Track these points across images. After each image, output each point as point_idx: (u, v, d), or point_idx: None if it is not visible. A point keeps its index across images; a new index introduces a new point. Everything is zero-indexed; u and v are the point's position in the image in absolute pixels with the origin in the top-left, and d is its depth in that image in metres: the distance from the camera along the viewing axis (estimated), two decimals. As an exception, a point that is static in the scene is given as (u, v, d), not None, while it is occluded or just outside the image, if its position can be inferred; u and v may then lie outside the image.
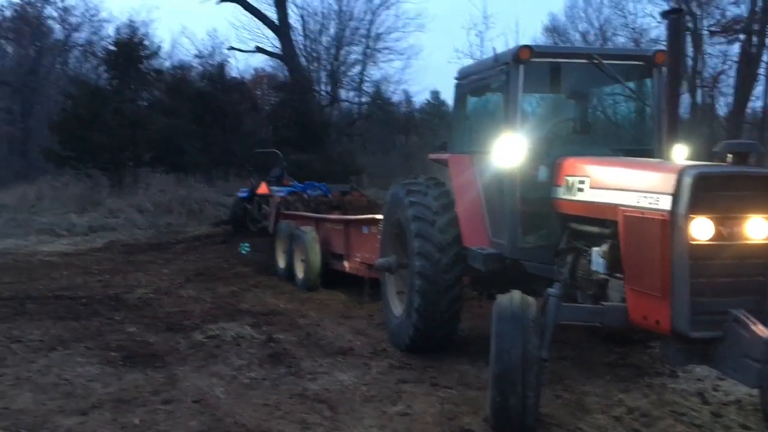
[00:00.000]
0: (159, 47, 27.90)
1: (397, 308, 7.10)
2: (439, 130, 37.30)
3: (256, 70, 39.05)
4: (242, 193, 16.94)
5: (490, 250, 6.07)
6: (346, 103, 40.10)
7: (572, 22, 31.88)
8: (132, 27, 27.20)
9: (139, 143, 25.11)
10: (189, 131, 26.17)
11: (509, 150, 5.68)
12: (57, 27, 42.18)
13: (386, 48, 38.93)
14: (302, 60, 36.47)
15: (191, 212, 21.08)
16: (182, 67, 30.28)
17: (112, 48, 26.43)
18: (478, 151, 6.33)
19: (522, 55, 5.73)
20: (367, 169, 31.10)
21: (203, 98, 27.91)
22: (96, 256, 14.47)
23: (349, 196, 13.92)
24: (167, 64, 31.66)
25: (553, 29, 32.25)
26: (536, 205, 5.80)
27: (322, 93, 36.43)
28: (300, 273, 10.87)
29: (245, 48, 35.60)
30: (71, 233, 17.86)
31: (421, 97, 48.73)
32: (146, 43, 26.62)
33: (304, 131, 28.45)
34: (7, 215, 21.33)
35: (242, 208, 16.83)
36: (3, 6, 42.17)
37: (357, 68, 39.32)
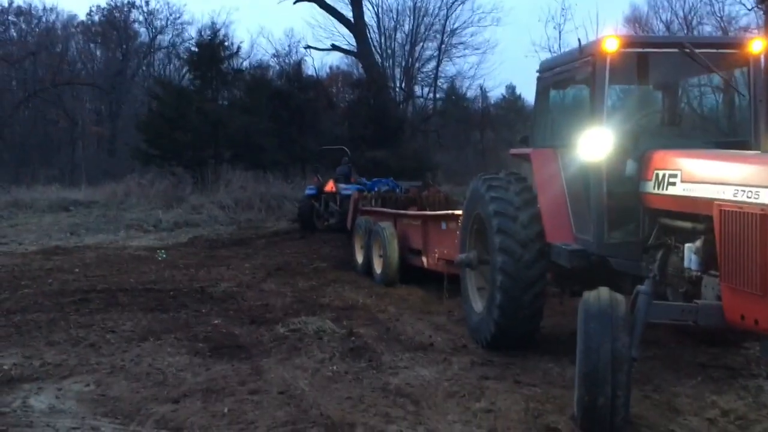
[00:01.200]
0: (239, 47, 28.69)
1: (478, 304, 7.05)
2: (515, 125, 36.85)
3: (331, 68, 39.64)
4: (310, 191, 17.16)
5: (574, 246, 5.95)
6: (421, 100, 40.16)
7: (655, 11, 30.90)
8: (213, 28, 28.06)
9: (220, 141, 25.87)
10: (267, 129, 26.76)
11: (595, 143, 5.55)
12: (142, 30, 43.96)
13: (461, 43, 38.84)
14: (377, 57, 36.75)
15: (269, 208, 21.58)
16: (260, 67, 30.98)
17: (194, 49, 27.33)
18: (562, 145, 6.21)
19: (609, 46, 5.57)
20: (441, 165, 31.05)
21: (281, 97, 28.50)
22: (181, 251, 14.98)
23: (426, 192, 13.91)
24: (246, 63, 32.53)
25: (634, 20, 31.32)
26: (623, 200, 5.64)
27: (397, 90, 36.55)
28: (378, 268, 10.95)
29: (321, 46, 36.17)
30: (158, 229, 18.57)
31: (496, 93, 48.26)
32: (227, 43, 27.37)
33: (380, 128, 28.65)
34: (98, 212, 22.42)
35: (309, 206, 17.04)
36: (92, 11, 43.98)
37: (432, 64, 39.33)
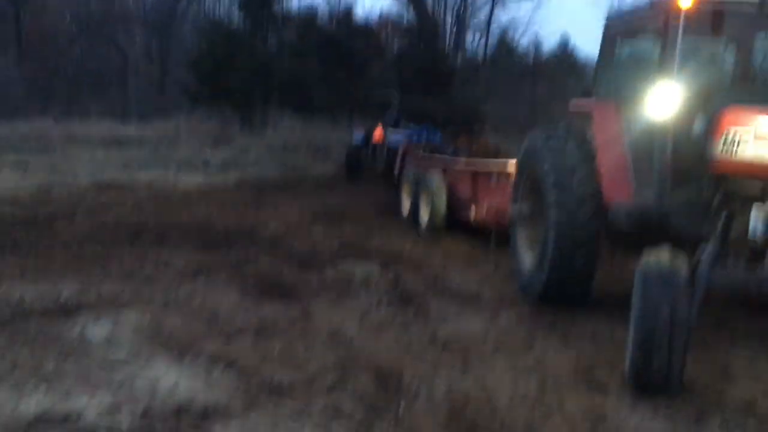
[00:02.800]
0: (292, -11, 28.19)
1: (528, 259, 6.98)
2: (568, 78, 35.88)
3: (380, 14, 38.86)
4: (357, 138, 16.98)
5: (633, 205, 5.81)
6: (472, 47, 39.29)
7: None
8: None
9: (268, 84, 25.79)
10: (316, 74, 26.58)
11: (663, 99, 5.35)
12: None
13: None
14: (429, 2, 35.92)
15: (317, 152, 21.58)
16: (310, 11, 30.57)
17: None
18: (626, 100, 6.01)
19: (683, 2, 5.29)
20: (489, 117, 30.53)
21: (331, 42, 28.18)
22: (229, 191, 15.15)
23: (476, 143, 13.71)
24: (296, 6, 32.12)
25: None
26: (688, 160, 5.45)
27: (448, 37, 35.80)
28: (425, 218, 10.91)
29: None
30: (206, 167, 18.76)
31: (551, 42, 46.80)
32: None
33: (429, 77, 28.19)
34: (150, 149, 22.75)
35: (357, 154, 16.92)
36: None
37: (485, 10, 38.31)
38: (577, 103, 6.81)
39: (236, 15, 31.44)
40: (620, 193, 5.94)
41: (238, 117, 25.60)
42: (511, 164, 9.10)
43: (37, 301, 6.10)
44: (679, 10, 5.31)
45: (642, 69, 6.09)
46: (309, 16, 29.72)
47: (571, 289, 6.28)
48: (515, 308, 6.51)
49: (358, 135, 17.11)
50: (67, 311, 5.94)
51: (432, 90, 27.67)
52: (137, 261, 7.93)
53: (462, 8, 37.87)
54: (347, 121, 27.53)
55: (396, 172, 13.43)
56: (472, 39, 39.24)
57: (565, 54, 41.56)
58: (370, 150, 16.67)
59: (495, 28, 38.29)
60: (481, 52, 38.72)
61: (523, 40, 39.00)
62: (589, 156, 6.17)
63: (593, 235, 6.04)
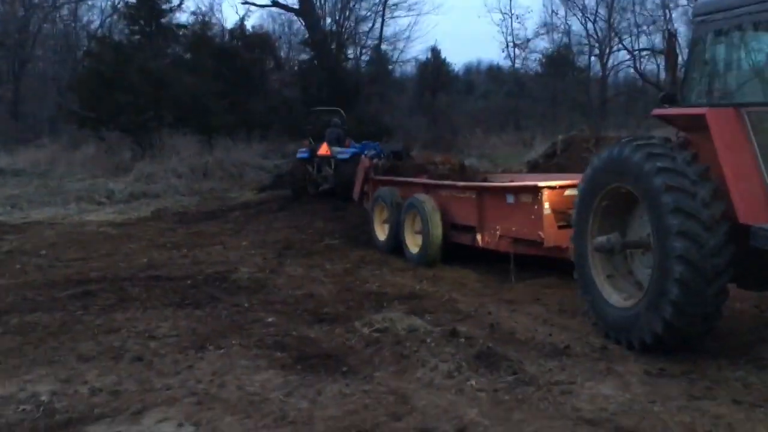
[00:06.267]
0: (181, 0, 26.03)
1: (613, 296, 5.91)
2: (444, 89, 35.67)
3: (254, 27, 36.87)
4: (302, 154, 15.65)
5: None
6: (353, 61, 38.17)
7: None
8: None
9: (163, 103, 23.47)
10: (213, 90, 24.59)
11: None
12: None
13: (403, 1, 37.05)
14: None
15: (231, 177, 19.72)
16: (203, 22, 28.49)
17: (131, 1, 24.67)
18: (751, 103, 5.08)
19: None
20: (395, 129, 29.72)
21: (225, 55, 26.28)
22: (153, 227, 13.15)
23: (440, 159, 12.60)
24: (184, 19, 29.94)
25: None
26: None
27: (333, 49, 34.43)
28: (413, 247, 9.65)
29: (259, 2, 33.76)
30: (112, 201, 16.47)
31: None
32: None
33: (334, 91, 26.96)
34: (30, 182, 19.90)
35: (302, 171, 15.58)
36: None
37: (366, 25, 37.42)
38: (663, 111, 5.82)
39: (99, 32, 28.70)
40: (757, 213, 4.98)
41: (130, 141, 23.08)
42: (535, 183, 8.08)
43: (14, 414, 4.28)
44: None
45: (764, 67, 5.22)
46: (201, 28, 27.60)
47: (695, 330, 5.26)
48: (625, 360, 5.37)
49: (302, 152, 15.70)
50: (66, 423, 4.19)
51: (338, 104, 26.48)
52: (110, 333, 6.16)
53: (342, 21, 36.60)
54: (245, 140, 25.69)
55: (354, 194, 12.08)
56: (356, 52, 38.24)
57: (441, 66, 41.14)
58: (315, 168, 15.34)
59: (372, 41, 37.32)
60: (363, 64, 37.74)
61: (405, 55, 38.43)
62: (705, 172, 5.19)
63: (727, 265, 5.05)
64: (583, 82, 38.27)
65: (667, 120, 5.83)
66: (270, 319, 6.64)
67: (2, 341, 5.89)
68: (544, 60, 38.81)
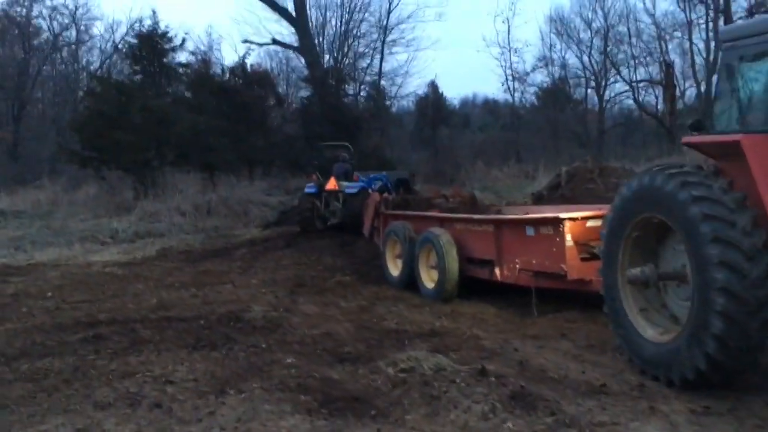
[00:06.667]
0: (183, 40, 26.14)
1: (647, 330, 5.71)
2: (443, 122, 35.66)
3: (252, 65, 37.07)
4: (309, 189, 15.53)
5: None
6: (352, 97, 38.31)
7: None
8: (153, 19, 25.58)
9: (165, 141, 23.40)
10: (215, 128, 24.59)
11: None
12: (45, 26, 40.06)
13: (397, 40, 37.34)
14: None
15: (235, 214, 19.55)
16: (204, 61, 28.62)
17: (133, 41, 24.78)
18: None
19: None
20: (397, 162, 29.71)
21: (226, 93, 26.34)
22: (159, 266, 12.94)
23: (451, 192, 12.49)
24: (185, 58, 30.03)
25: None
26: None
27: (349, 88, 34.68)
28: (429, 282, 9.47)
29: (259, 41, 34.04)
30: (116, 240, 16.26)
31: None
32: (169, 35, 24.91)
33: (335, 126, 26.98)
34: (32, 223, 19.71)
35: (310, 206, 15.45)
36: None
37: (365, 61, 37.64)
38: (693, 139, 5.69)
39: (117, 71, 28.93)
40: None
41: (131, 180, 22.93)
42: (553, 214, 7.94)
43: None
44: None
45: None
46: (203, 66, 27.69)
47: (739, 365, 5.06)
48: (666, 398, 5.15)
49: (310, 187, 15.60)
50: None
51: (340, 139, 26.50)
52: (125, 377, 5.91)
53: (340, 57, 36.79)
54: (247, 178, 25.62)
55: (365, 230, 11.92)
56: (355, 88, 38.36)
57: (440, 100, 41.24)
58: (323, 202, 15.23)
59: (371, 77, 37.43)
60: (362, 99, 37.84)
61: (403, 90, 38.58)
62: (742, 200, 5.04)
63: (769, 297, 4.87)
64: (580, 114, 38.41)
65: (698, 148, 5.69)
66: (289, 360, 6.41)
67: (14, 388, 5.65)
68: (540, 93, 39.05)
